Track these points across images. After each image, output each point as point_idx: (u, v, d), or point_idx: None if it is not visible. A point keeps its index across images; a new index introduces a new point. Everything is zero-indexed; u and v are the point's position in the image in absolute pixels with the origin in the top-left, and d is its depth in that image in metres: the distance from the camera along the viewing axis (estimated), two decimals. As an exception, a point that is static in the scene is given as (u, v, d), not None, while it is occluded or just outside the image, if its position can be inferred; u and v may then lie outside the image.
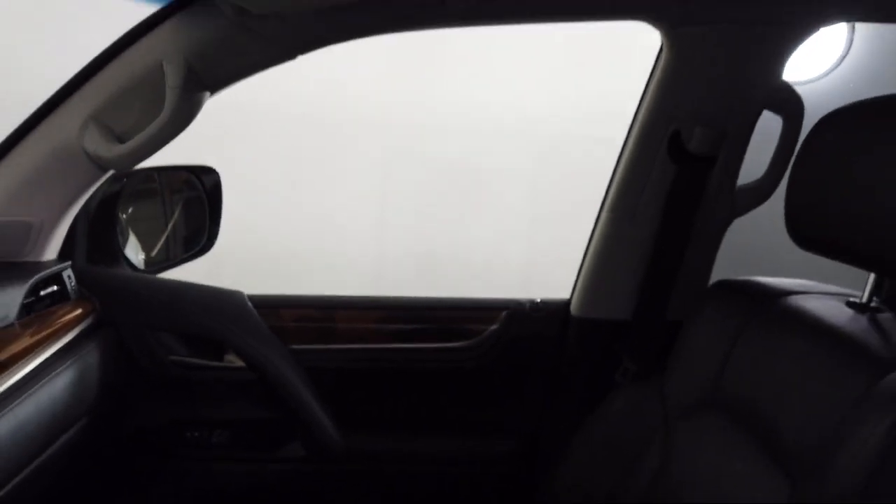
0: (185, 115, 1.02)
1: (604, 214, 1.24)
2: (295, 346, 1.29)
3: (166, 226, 1.53)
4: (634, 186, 1.19)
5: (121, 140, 1.05)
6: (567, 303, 1.33)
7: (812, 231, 0.85)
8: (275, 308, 1.34)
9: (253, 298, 1.30)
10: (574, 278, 1.33)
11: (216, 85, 1.04)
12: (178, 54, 0.98)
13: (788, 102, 1.11)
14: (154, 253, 1.46)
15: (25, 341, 1.01)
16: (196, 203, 1.52)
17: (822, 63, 2.12)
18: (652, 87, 1.15)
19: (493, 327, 1.33)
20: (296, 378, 1.25)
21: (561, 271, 1.44)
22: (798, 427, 0.79)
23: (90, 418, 1.14)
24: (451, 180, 2.91)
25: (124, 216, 1.42)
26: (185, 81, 0.99)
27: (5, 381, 0.93)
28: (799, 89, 1.12)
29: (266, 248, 2.44)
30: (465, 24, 1.08)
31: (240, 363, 1.28)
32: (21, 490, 0.93)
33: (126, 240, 1.41)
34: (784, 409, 0.83)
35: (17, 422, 0.93)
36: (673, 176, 1.15)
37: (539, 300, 1.35)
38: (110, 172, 1.14)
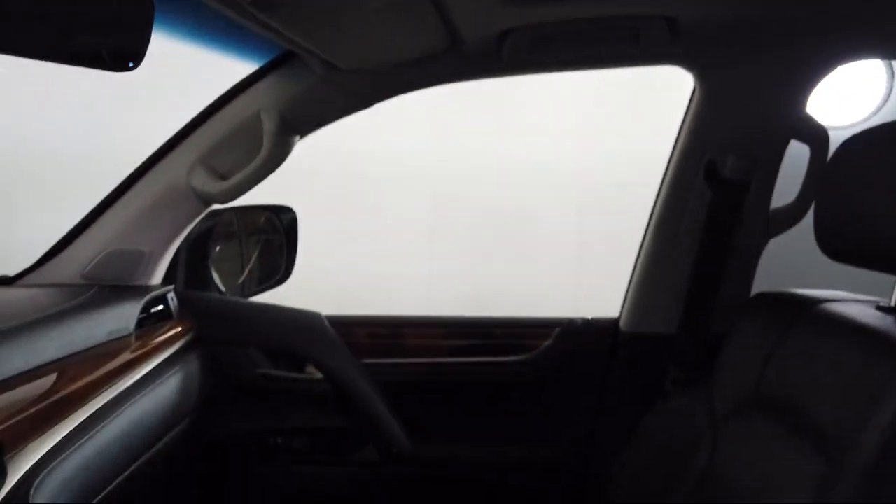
0: (279, 156, 1.19)
1: (648, 237, 1.35)
2: (367, 361, 1.43)
3: (250, 258, 1.70)
4: (675, 211, 1.30)
5: (223, 178, 1.23)
6: (616, 320, 1.44)
7: (841, 243, 0.95)
8: (348, 326, 1.49)
9: (329, 318, 1.45)
10: (622, 298, 1.44)
11: (305, 130, 1.21)
12: (273, 105, 1.16)
13: (813, 132, 1.21)
14: (239, 281, 1.63)
15: (139, 350, 1.17)
16: (275, 239, 1.69)
17: (865, 107, 2.21)
18: (687, 121, 1.27)
19: (547, 343, 1.44)
20: (368, 389, 1.39)
21: (603, 303, 1.54)
22: (832, 413, 0.87)
23: (188, 423, 1.29)
24: (497, 227, 3.05)
25: (215, 249, 1.60)
26: (279, 128, 1.16)
27: (125, 383, 1.08)
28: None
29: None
30: (518, 73, 1.23)
31: (318, 376, 1.42)
32: (123, 488, 1.07)
33: (216, 269, 1.59)
34: (819, 400, 0.91)
35: (129, 420, 1.08)
36: (710, 201, 1.27)
37: (590, 318, 1.46)
38: (210, 208, 1.32)
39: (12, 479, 0.77)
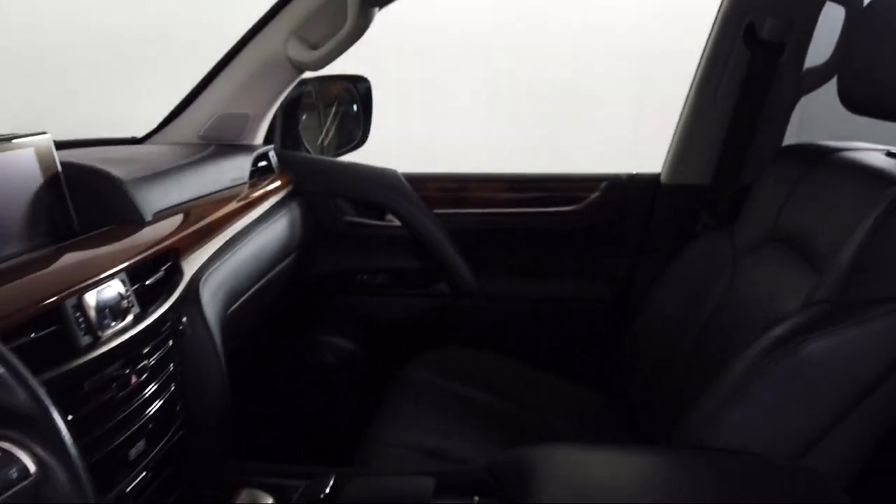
0: (361, 27, 1.36)
1: (690, 96, 1.50)
2: (438, 211, 1.66)
3: (329, 125, 1.92)
4: (716, 71, 1.44)
5: (314, 48, 1.42)
6: (657, 175, 1.61)
7: (862, 95, 1.07)
8: (421, 181, 1.71)
9: (404, 175, 1.67)
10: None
11: (382, 2, 1.38)
12: (357, -21, 1.32)
13: None
14: (326, 143, 1.86)
15: (253, 196, 1.42)
16: (350, 109, 1.90)
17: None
18: (730, -15, 1.38)
19: (595, 195, 1.63)
20: (439, 235, 1.62)
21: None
22: (826, 237, 1.05)
23: (293, 259, 1.56)
24: (553, 97, 3.14)
25: (302, 116, 1.81)
26: (360, 1, 1.33)
27: (248, 219, 1.34)
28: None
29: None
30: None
31: (397, 223, 1.66)
32: (251, 299, 1.34)
33: (304, 133, 1.81)
34: (819, 229, 1.08)
35: (256, 245, 1.34)
36: (748, 60, 1.39)
37: (634, 173, 1.64)
38: (301, 76, 1.52)
39: (187, 276, 1.04)
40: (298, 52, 1.42)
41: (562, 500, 0.84)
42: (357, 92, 1.86)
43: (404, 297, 1.69)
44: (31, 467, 0.50)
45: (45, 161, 0.95)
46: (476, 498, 0.94)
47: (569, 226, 1.64)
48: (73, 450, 0.52)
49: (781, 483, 0.88)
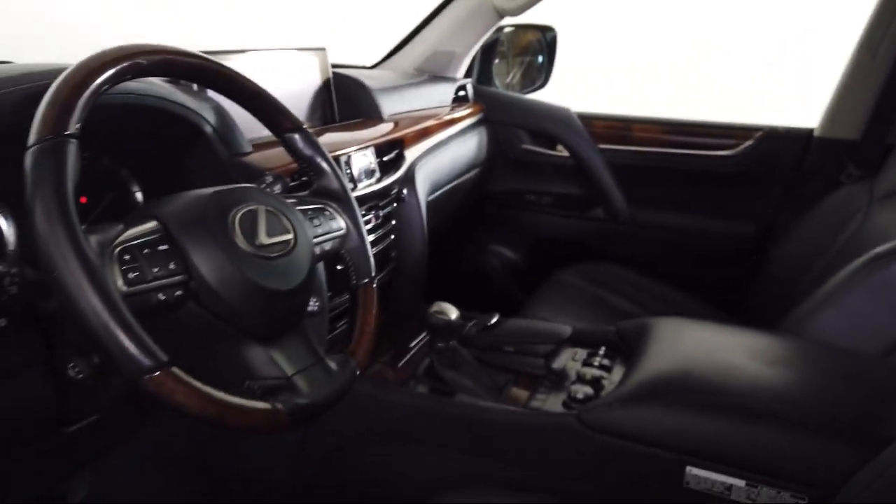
0: None
1: (852, 55, 1.62)
2: (602, 146, 1.91)
3: (519, 69, 2.22)
4: (879, 31, 1.55)
5: None
6: (810, 130, 1.75)
7: None
8: (590, 119, 1.97)
9: (576, 113, 1.94)
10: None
11: None
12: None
13: None
14: (512, 82, 2.17)
15: (454, 116, 1.77)
16: (538, 53, 2.18)
17: None
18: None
19: (750, 143, 1.80)
20: (602, 166, 1.89)
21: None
22: None
23: (478, 173, 1.90)
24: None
25: (497, 58, 2.14)
26: None
27: (451, 131, 1.69)
28: None
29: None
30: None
31: (565, 153, 1.95)
32: (446, 194, 1.68)
33: (495, 73, 2.14)
34: None
35: (454, 150, 1.69)
36: None
37: (789, 126, 1.79)
38: (500, 21, 1.83)
39: (408, 161, 1.41)
40: (502, 0, 1.73)
41: (667, 351, 1.11)
42: (544, 40, 2.15)
43: (565, 218, 1.98)
44: (343, 226, 0.87)
45: (322, 67, 1.35)
46: (603, 349, 1.23)
47: (722, 169, 1.83)
48: (361, 224, 0.89)
49: (865, 369, 1.07)
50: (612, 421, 0.98)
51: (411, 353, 1.26)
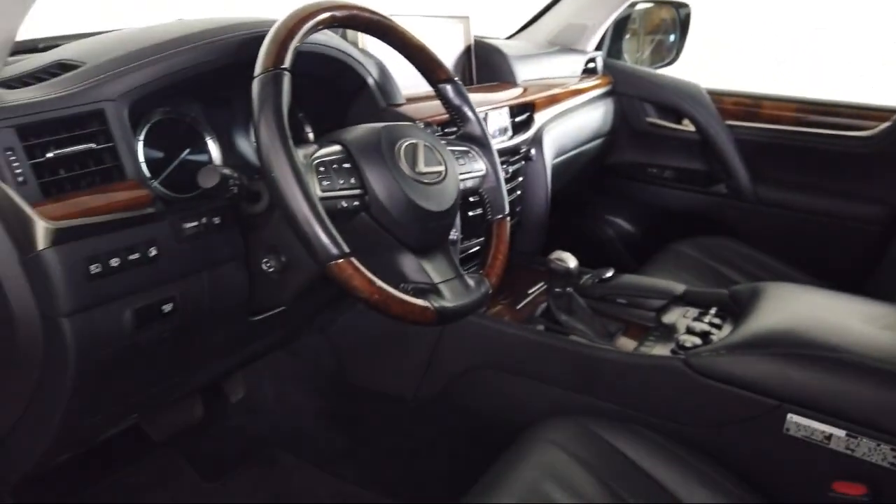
0: None
1: None
2: (730, 122, 1.92)
3: (649, 45, 2.26)
4: None
5: None
6: None
7: None
8: (719, 96, 1.98)
9: (705, 89, 1.96)
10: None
11: None
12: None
13: None
14: (643, 58, 2.21)
15: (582, 86, 1.84)
16: (669, 30, 2.20)
17: None
18: None
19: (887, 124, 1.75)
20: (728, 143, 1.90)
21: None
22: None
23: (602, 143, 1.96)
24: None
25: (627, 34, 2.18)
26: None
27: (579, 100, 1.77)
28: None
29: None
30: None
31: (691, 128, 1.97)
32: (565, 162, 1.76)
33: (625, 48, 2.19)
34: None
35: (580, 118, 1.77)
36: None
37: None
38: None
39: (537, 124, 1.51)
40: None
41: (778, 309, 1.16)
42: (678, 17, 2.16)
43: (685, 192, 2.01)
44: (483, 167, 0.99)
45: (465, 34, 1.48)
46: (714, 309, 1.28)
47: (856, 150, 1.79)
48: (499, 167, 1.00)
49: None
50: (717, 366, 1.05)
51: (529, 298, 1.37)
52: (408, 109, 1.13)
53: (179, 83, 0.81)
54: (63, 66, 0.78)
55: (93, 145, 0.72)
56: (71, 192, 0.69)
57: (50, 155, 0.68)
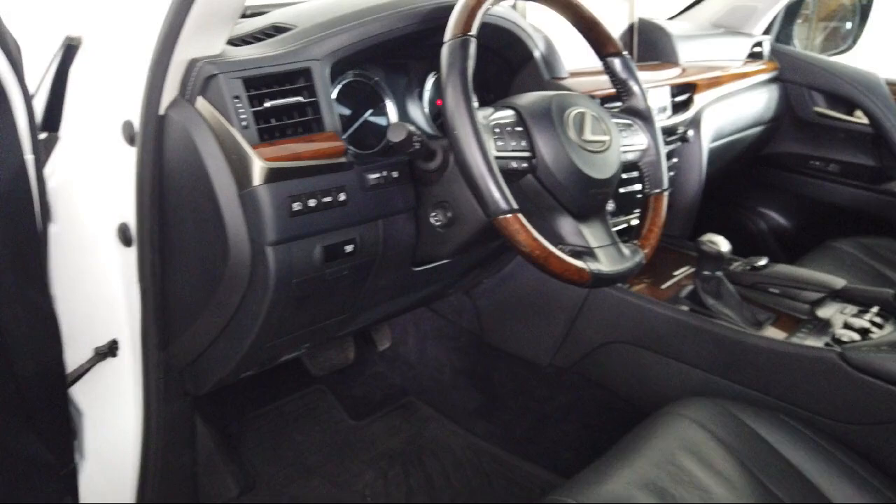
0: None
1: None
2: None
3: (824, 30, 2.13)
4: None
5: None
6: None
7: None
8: (902, 87, 1.84)
9: (886, 80, 1.83)
10: None
11: None
12: None
13: None
14: (814, 44, 2.09)
15: (745, 70, 1.77)
16: (846, 16, 2.07)
17: None
18: None
19: None
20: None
21: None
22: None
23: (762, 129, 1.87)
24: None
25: (800, 18, 2.07)
26: None
27: (741, 85, 1.71)
28: None
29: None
30: None
31: (863, 121, 1.85)
32: (723, 147, 1.70)
33: (798, 32, 2.07)
34: None
35: (740, 108, 1.71)
36: None
37: None
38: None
39: (697, 106, 1.48)
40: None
41: None
42: (859, 1, 2.02)
43: (851, 188, 1.89)
44: (645, 141, 1.00)
45: (629, 12, 1.48)
46: (876, 308, 1.22)
47: None
48: (661, 142, 1.01)
49: None
50: (876, 362, 1.01)
51: (674, 279, 1.37)
52: (570, 83, 1.16)
53: (371, 47, 0.89)
54: (277, 29, 0.88)
55: (300, 98, 0.81)
56: (280, 139, 0.79)
57: (267, 104, 0.78)
